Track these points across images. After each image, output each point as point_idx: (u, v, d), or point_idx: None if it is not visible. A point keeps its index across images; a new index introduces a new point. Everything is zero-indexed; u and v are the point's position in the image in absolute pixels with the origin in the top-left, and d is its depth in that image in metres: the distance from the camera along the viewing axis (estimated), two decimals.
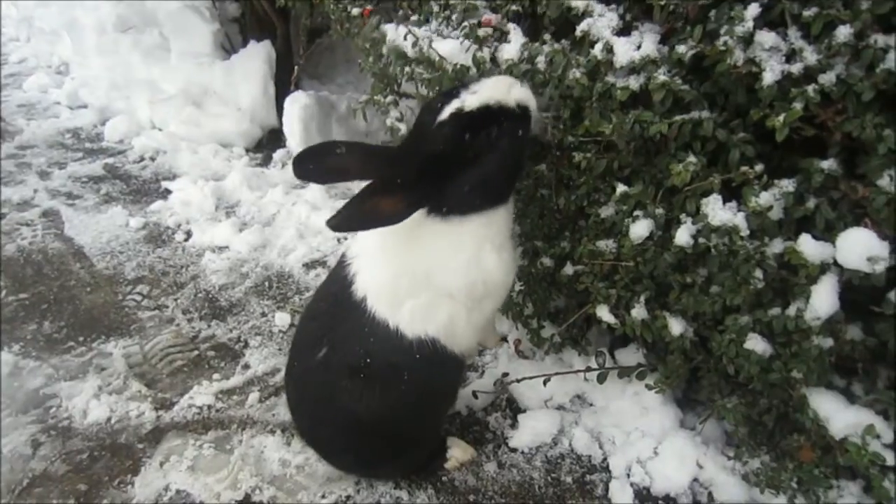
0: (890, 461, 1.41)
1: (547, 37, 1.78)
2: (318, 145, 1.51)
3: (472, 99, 1.47)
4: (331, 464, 1.94)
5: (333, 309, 1.73)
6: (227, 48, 4.65)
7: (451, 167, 1.50)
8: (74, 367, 2.41)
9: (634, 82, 1.55)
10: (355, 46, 2.65)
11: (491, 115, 1.48)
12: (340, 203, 3.61)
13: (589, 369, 2.03)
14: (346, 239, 3.21)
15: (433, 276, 1.60)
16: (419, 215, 1.53)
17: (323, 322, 1.76)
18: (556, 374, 2.07)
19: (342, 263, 1.76)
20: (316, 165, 1.48)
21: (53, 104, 5.10)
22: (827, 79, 1.34)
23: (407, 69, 2.04)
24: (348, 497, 1.89)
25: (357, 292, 1.66)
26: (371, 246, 1.69)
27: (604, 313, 1.83)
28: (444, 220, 1.56)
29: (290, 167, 3.93)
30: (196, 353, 2.49)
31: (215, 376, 2.37)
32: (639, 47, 1.55)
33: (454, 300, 1.63)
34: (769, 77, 1.38)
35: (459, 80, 1.83)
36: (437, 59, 1.88)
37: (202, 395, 2.27)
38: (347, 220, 1.46)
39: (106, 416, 2.18)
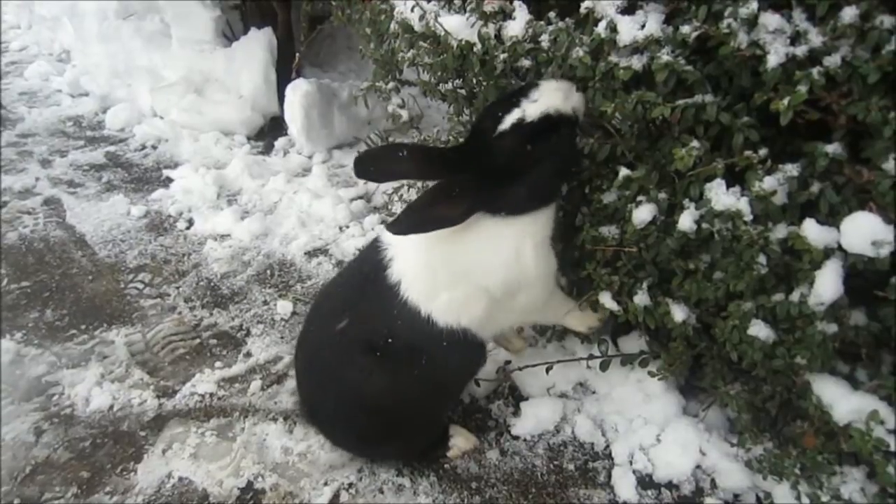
0: (893, 447, 1.40)
1: (552, 15, 1.76)
2: (379, 148, 1.64)
3: (532, 108, 1.53)
4: (327, 437, 1.95)
5: (362, 286, 1.77)
6: (229, 35, 4.62)
7: (511, 174, 1.57)
8: (77, 354, 2.41)
9: (637, 62, 1.53)
10: (357, 33, 2.64)
11: (551, 123, 1.55)
12: (343, 191, 3.63)
13: (591, 357, 2.03)
14: (347, 228, 3.20)
15: (472, 271, 1.65)
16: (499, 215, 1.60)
17: (348, 296, 1.80)
18: (559, 361, 2.07)
19: (376, 246, 1.77)
20: (377, 167, 1.56)
21: (55, 92, 5.08)
22: (832, 61, 1.31)
23: (412, 51, 2.02)
24: (350, 484, 1.89)
25: (391, 276, 1.69)
26: (409, 237, 1.69)
27: (606, 300, 1.82)
28: (492, 219, 1.62)
29: (291, 155, 3.96)
30: (198, 341, 2.50)
31: (217, 364, 2.37)
32: (643, 26, 1.53)
33: (490, 294, 1.67)
34: (773, 60, 1.35)
35: (464, 56, 1.82)
36: (443, 33, 1.86)
37: (204, 382, 2.27)
38: (410, 226, 1.53)
39: (108, 404, 2.19)
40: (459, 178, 1.54)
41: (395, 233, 1.54)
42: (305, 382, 1.94)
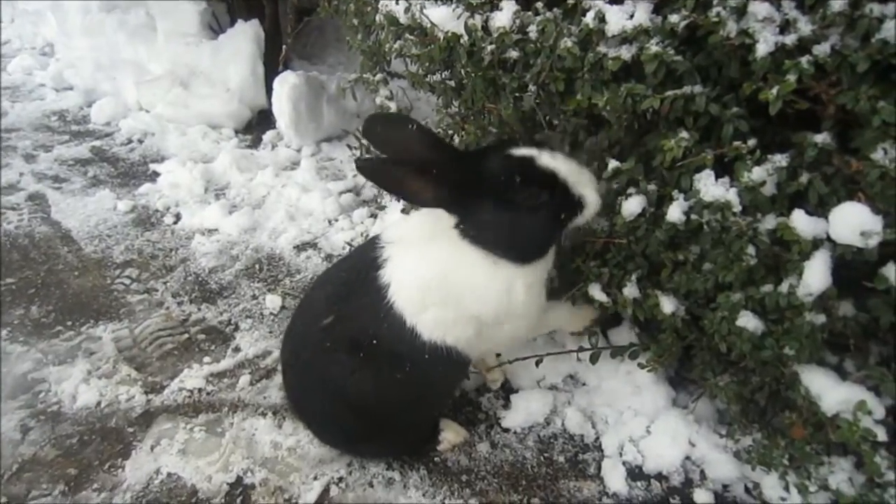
0: (881, 437, 1.41)
1: (539, 5, 1.75)
2: (395, 115, 1.61)
3: (549, 160, 1.53)
4: (313, 433, 1.94)
5: (353, 282, 1.74)
6: (215, 28, 4.57)
7: (491, 193, 1.54)
8: (63, 351, 2.38)
9: (626, 53, 1.52)
10: (344, 24, 2.61)
11: (552, 183, 1.53)
12: (332, 185, 3.61)
13: (581, 349, 2.02)
14: (336, 221, 3.18)
15: (464, 296, 1.63)
16: (462, 240, 1.58)
17: (338, 291, 1.77)
18: (549, 354, 2.06)
19: (374, 243, 1.76)
20: (384, 130, 1.54)
21: (38, 86, 5.00)
22: (821, 50, 1.31)
23: (399, 43, 2.00)
24: (340, 478, 1.88)
25: (383, 277, 1.67)
26: (410, 242, 1.69)
27: (595, 292, 1.82)
28: (483, 254, 1.60)
29: (279, 149, 3.93)
30: (186, 336, 2.47)
31: (206, 359, 2.35)
32: (631, 16, 1.51)
33: (480, 321, 1.67)
34: (762, 49, 1.35)
35: (451, 48, 1.81)
36: (429, 25, 1.84)
37: (193, 378, 2.25)
38: (374, 172, 1.51)
39: (95, 401, 2.17)
40: (446, 166, 1.53)
41: (358, 168, 1.51)
42: (290, 376, 1.92)
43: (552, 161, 1.54)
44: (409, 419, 1.85)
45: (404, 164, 1.50)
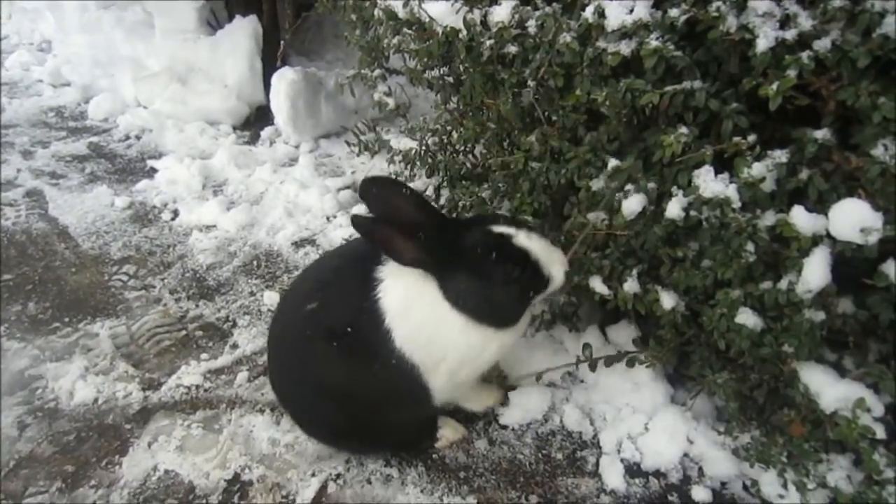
0: (880, 434, 1.41)
1: (538, 0, 1.74)
2: (390, 179, 1.71)
3: (524, 240, 1.62)
4: (295, 422, 1.93)
5: (344, 270, 1.77)
6: (213, 24, 4.56)
7: (468, 264, 1.62)
8: (60, 347, 2.38)
9: (626, 47, 1.51)
10: (342, 20, 2.60)
11: (524, 261, 1.62)
12: (330, 181, 3.60)
13: (579, 360, 1.99)
14: (334, 218, 3.18)
15: (435, 342, 1.68)
16: (443, 300, 1.64)
17: (327, 277, 1.79)
18: (548, 370, 2.06)
19: None
20: (379, 191, 1.63)
21: (36, 82, 5.01)
22: (822, 45, 1.30)
23: (397, 38, 1.99)
24: (338, 475, 1.88)
25: (378, 272, 1.68)
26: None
27: (596, 284, 1.81)
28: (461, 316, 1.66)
29: (277, 145, 3.92)
30: (184, 332, 2.47)
31: (203, 356, 2.34)
32: (631, 11, 1.51)
33: (443, 359, 1.72)
34: (762, 44, 1.34)
35: (449, 43, 1.81)
36: (428, 20, 1.84)
37: (190, 374, 2.25)
38: (366, 229, 1.59)
39: (93, 397, 2.16)
40: (431, 232, 1.60)
41: (354, 224, 1.58)
42: (273, 366, 1.91)
43: (527, 241, 1.62)
44: (384, 420, 1.82)
45: (393, 224, 1.58)
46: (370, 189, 1.64)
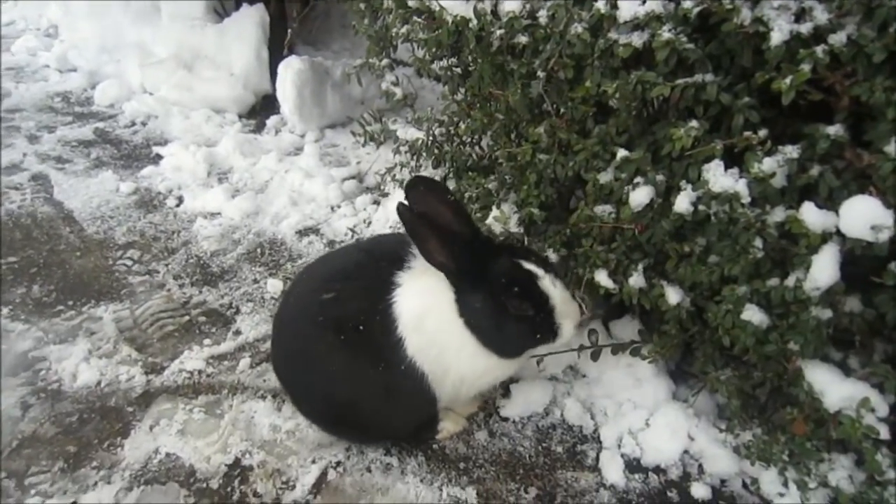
0: (884, 435, 1.40)
1: None
2: (438, 182, 1.73)
3: (548, 284, 1.66)
4: (292, 400, 1.94)
5: (367, 266, 1.77)
6: (220, 11, 4.54)
7: (489, 289, 1.65)
8: (64, 330, 2.38)
9: (638, 39, 1.50)
10: (350, 9, 2.59)
11: (543, 304, 1.66)
12: (335, 171, 3.60)
13: (582, 347, 2.00)
14: (339, 207, 3.17)
15: (444, 354, 1.71)
16: (459, 317, 1.67)
17: (348, 270, 1.79)
18: (549, 353, 2.05)
19: (406, 240, 1.76)
20: (426, 192, 1.66)
21: (42, 67, 4.99)
22: (837, 39, 1.29)
23: (406, 27, 1.98)
24: (338, 462, 1.88)
25: (399, 276, 1.71)
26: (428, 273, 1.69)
27: (602, 277, 1.81)
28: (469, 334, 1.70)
29: (283, 134, 3.92)
30: (187, 318, 2.47)
31: (206, 342, 2.34)
32: (644, 2, 1.50)
33: (449, 372, 1.76)
34: (777, 37, 1.33)
35: (459, 33, 1.80)
36: (438, 8, 1.83)
37: (193, 360, 2.25)
38: (409, 220, 1.60)
39: (96, 380, 2.16)
40: (466, 246, 1.64)
41: (399, 211, 1.59)
42: (279, 341, 1.91)
43: (551, 287, 1.66)
44: (380, 420, 1.83)
45: (434, 226, 1.61)
46: (418, 185, 1.67)
